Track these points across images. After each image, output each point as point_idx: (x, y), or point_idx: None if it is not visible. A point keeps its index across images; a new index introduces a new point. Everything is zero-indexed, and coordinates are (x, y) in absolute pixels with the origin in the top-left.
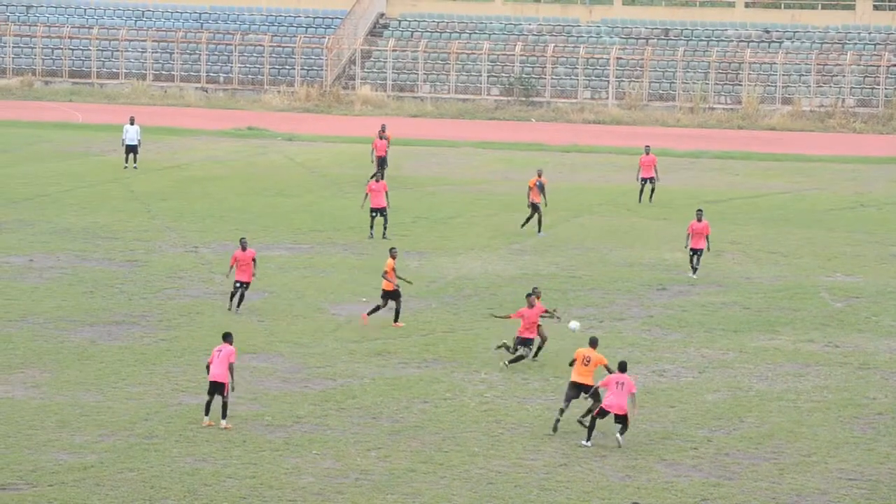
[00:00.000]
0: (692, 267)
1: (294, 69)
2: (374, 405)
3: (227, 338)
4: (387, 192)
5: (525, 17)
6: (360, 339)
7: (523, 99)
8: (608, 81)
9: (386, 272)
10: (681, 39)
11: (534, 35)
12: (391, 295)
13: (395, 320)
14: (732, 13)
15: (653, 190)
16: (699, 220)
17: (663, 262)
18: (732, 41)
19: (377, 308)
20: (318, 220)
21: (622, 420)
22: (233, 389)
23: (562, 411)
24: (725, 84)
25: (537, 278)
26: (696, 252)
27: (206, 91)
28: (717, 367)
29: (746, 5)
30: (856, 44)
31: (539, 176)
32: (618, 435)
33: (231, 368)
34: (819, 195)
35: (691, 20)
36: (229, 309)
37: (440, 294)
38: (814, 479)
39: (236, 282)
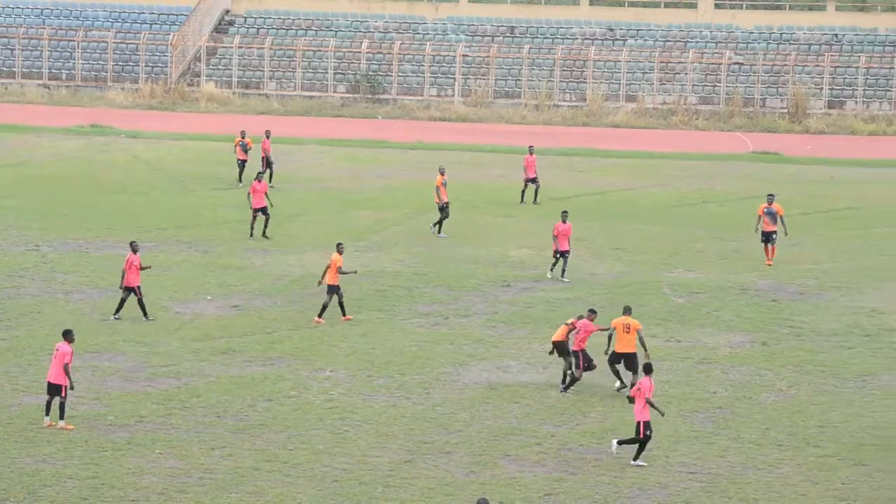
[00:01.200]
0: (560, 269)
1: (138, 66)
2: (219, 404)
3: (66, 335)
4: (266, 193)
5: (371, 14)
6: (204, 338)
7: (369, 96)
8: (454, 79)
9: (330, 267)
10: (526, 37)
11: (380, 32)
12: (334, 289)
13: (343, 314)
14: (577, 11)
15: (536, 190)
16: (564, 221)
17: (508, 259)
18: (577, 39)
19: (325, 306)
20: (163, 218)
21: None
22: (71, 388)
23: (621, 383)
24: (570, 82)
25: (383, 275)
26: (562, 254)
27: (49, 88)
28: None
29: (591, 3)
30: (698, 42)
31: (442, 174)
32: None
33: (66, 369)
34: (662, 192)
35: (536, 18)
36: (116, 316)
37: (285, 291)
38: (655, 473)
39: (127, 287)
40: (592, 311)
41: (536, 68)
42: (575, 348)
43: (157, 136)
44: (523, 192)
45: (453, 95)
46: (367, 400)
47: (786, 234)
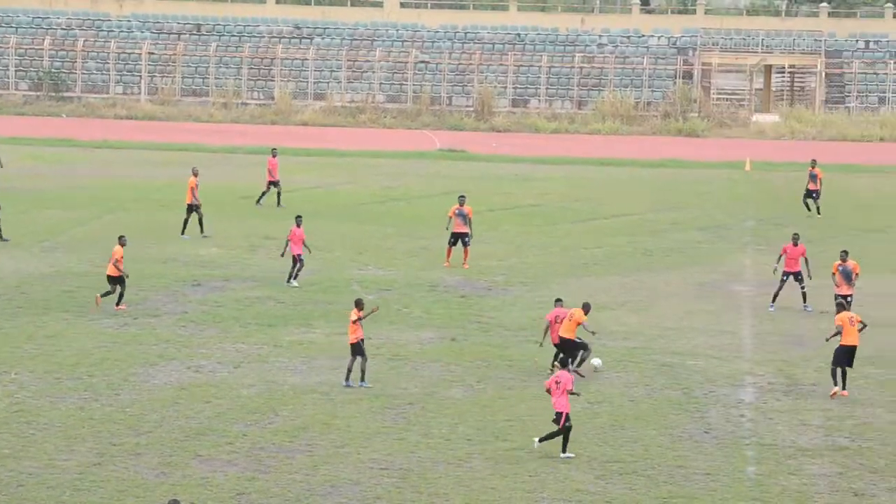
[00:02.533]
0: (291, 274)
1: None
2: None
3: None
4: None
5: (54, 10)
6: None
7: (53, 94)
8: (140, 77)
9: (115, 259)
10: (213, 35)
11: (63, 29)
12: (117, 280)
13: (118, 304)
14: (264, 9)
15: (279, 193)
16: (298, 225)
17: (198, 258)
18: (264, 37)
19: (108, 293)
20: None
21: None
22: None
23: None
24: (258, 80)
25: (70, 276)
26: (298, 258)
27: None
28: (252, 362)
29: (277, 2)
30: (384, 40)
31: (195, 175)
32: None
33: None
34: (351, 189)
35: (223, 16)
36: None
37: None
38: (347, 470)
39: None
40: (559, 300)
41: (224, 66)
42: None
43: None
44: (263, 193)
45: (140, 93)
46: (54, 402)
47: (470, 236)
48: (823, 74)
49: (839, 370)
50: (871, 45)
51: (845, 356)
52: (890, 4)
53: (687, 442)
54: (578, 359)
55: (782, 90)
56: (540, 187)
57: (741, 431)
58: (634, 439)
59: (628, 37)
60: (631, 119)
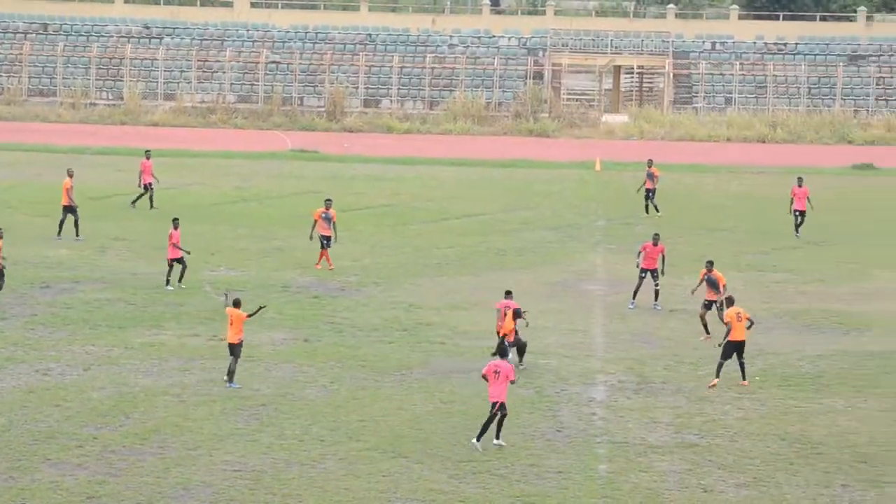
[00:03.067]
0: (172, 278)
1: None
2: None
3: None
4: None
5: None
6: None
7: None
8: None
9: None
10: (60, 34)
11: None
12: None
13: None
14: (112, 9)
15: (151, 196)
16: (175, 227)
17: (46, 260)
18: (113, 37)
19: None
20: None
21: None
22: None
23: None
24: (107, 80)
25: None
26: (177, 261)
27: None
28: (102, 364)
29: (126, 1)
30: (234, 41)
31: (70, 176)
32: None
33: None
34: (203, 190)
35: (70, 15)
36: None
37: None
38: (199, 472)
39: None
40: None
41: (72, 66)
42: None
43: None
44: (140, 196)
45: None
46: None
47: (335, 240)
48: (671, 75)
49: (724, 363)
50: (718, 46)
51: (732, 350)
52: (735, 6)
53: (539, 441)
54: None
55: (631, 91)
56: (392, 187)
57: (593, 430)
58: (487, 438)
59: (479, 37)
60: (482, 119)
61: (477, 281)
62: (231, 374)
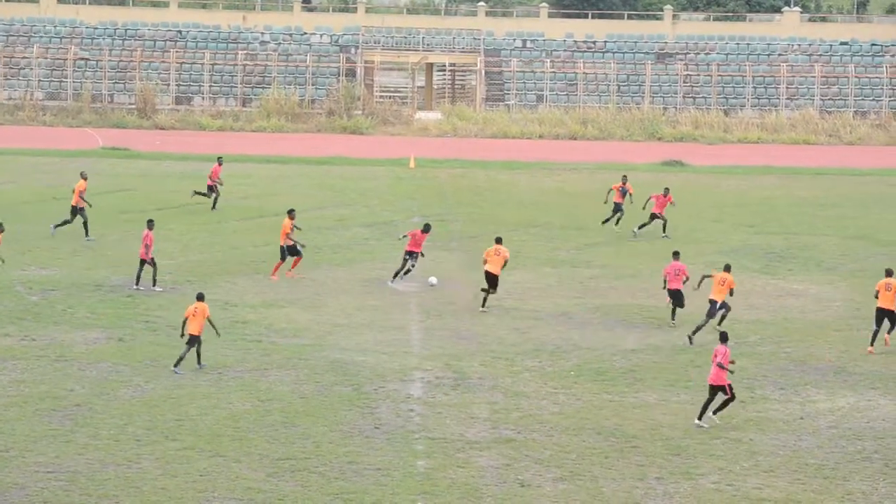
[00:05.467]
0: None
1: None
2: None
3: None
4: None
5: None
6: None
7: None
8: None
9: None
10: None
11: None
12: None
13: None
14: None
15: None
16: (150, 228)
17: None
18: None
19: None
20: None
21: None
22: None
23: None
24: None
25: None
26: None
27: None
28: None
29: None
30: (42, 37)
31: (84, 179)
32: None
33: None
34: (12, 188)
35: None
36: None
37: None
38: (12, 474)
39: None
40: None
41: None
42: None
43: None
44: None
45: None
46: None
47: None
48: (483, 73)
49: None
50: (528, 43)
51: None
52: (545, 4)
53: (358, 438)
54: None
55: (444, 88)
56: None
57: (411, 426)
58: (306, 436)
59: (291, 34)
60: (296, 116)
61: (293, 279)
62: (180, 359)
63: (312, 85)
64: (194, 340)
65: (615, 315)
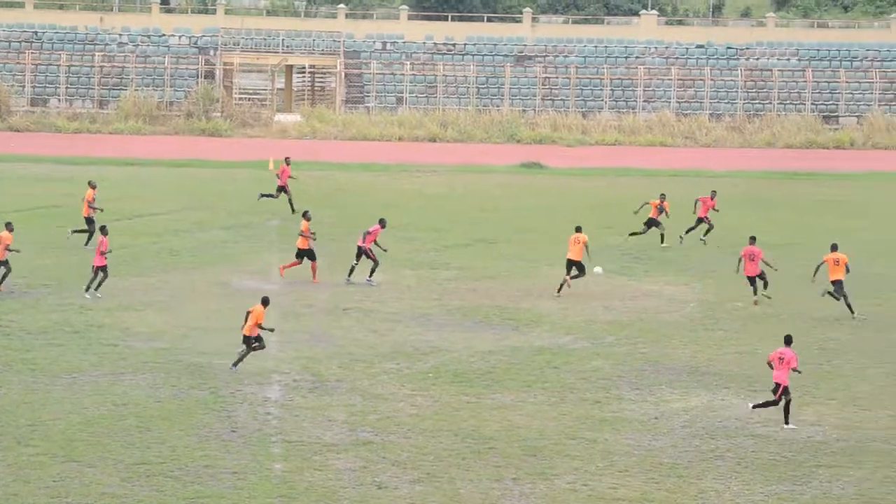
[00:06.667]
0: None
1: None
2: None
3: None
4: None
5: None
6: None
7: None
8: None
9: None
10: None
11: None
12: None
13: None
14: None
15: None
16: (104, 234)
17: None
18: None
19: None
20: None
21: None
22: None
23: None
24: None
25: None
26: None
27: None
28: None
29: None
30: None
31: (92, 188)
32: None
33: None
34: None
35: None
36: None
37: None
38: None
39: None
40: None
41: None
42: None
43: None
44: (289, 200)
45: None
46: None
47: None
48: (343, 75)
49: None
50: (388, 45)
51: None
52: (405, 6)
53: (214, 441)
54: None
55: (304, 90)
56: (62, 188)
57: (268, 429)
58: (161, 440)
59: (149, 36)
60: (154, 118)
61: (149, 282)
62: (239, 361)
63: (171, 87)
64: (248, 340)
65: (473, 317)
